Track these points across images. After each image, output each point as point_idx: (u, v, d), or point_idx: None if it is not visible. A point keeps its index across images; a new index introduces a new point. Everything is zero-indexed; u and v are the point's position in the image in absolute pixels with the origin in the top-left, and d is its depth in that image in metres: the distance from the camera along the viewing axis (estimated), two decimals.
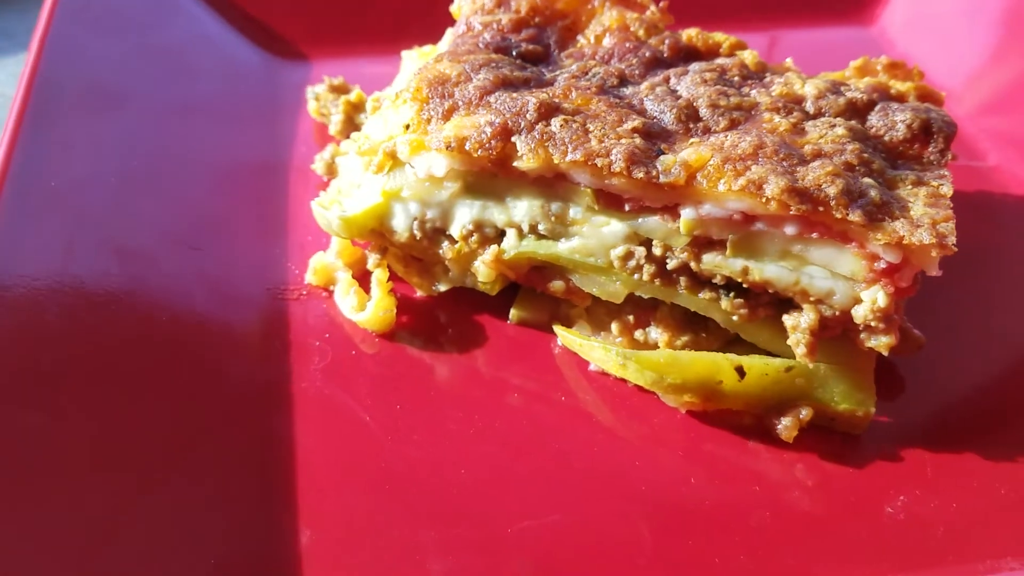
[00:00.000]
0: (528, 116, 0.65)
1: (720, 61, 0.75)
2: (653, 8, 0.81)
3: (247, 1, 1.03)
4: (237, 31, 1.02)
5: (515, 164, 0.65)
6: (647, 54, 0.75)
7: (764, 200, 0.59)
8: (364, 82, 0.92)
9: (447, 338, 0.72)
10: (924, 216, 0.58)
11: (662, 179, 0.61)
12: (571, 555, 0.57)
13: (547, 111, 0.65)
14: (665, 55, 0.76)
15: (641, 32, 0.78)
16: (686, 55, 0.77)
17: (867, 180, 0.60)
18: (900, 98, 0.73)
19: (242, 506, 0.58)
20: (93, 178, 0.77)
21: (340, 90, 0.90)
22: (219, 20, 1.01)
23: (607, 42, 0.77)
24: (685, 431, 0.65)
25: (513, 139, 0.64)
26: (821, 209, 0.58)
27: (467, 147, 0.64)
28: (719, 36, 0.78)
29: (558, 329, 0.70)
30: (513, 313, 0.72)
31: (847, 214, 0.58)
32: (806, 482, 0.62)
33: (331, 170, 0.83)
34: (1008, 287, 0.77)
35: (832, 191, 0.58)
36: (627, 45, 0.76)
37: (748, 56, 0.76)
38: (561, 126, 0.64)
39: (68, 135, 0.79)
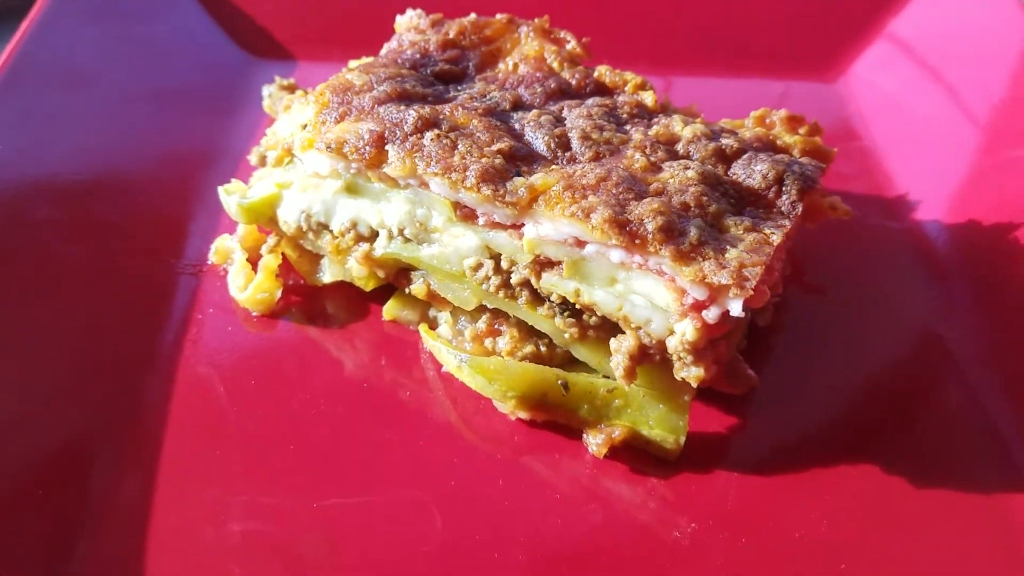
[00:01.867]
0: (405, 128, 0.70)
1: (621, 98, 0.79)
2: (573, 43, 0.85)
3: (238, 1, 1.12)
4: (223, 29, 1.10)
5: (385, 170, 0.70)
6: (552, 85, 0.80)
7: (590, 228, 0.63)
8: None
9: (327, 326, 0.77)
10: (735, 259, 0.61)
11: (507, 198, 0.65)
12: (364, 534, 0.62)
13: (424, 125, 0.70)
14: (573, 87, 0.80)
15: (555, 64, 0.83)
16: (593, 90, 0.81)
17: (695, 221, 0.63)
18: (785, 150, 0.76)
19: (76, 443, 0.65)
20: (43, 149, 0.85)
21: (289, 89, 0.96)
22: (207, 18, 1.10)
23: (522, 70, 0.82)
24: (513, 436, 0.69)
25: (387, 147, 0.69)
26: (637, 242, 0.62)
27: (344, 150, 0.70)
28: (628, 75, 0.82)
29: (421, 329, 0.75)
30: (386, 310, 0.77)
31: (660, 249, 0.61)
32: (606, 497, 0.65)
33: (263, 161, 0.89)
34: (871, 339, 0.78)
35: (651, 226, 0.62)
36: (538, 75, 0.81)
37: (647, 96, 0.79)
38: (432, 140, 0.69)
39: (31, 108, 0.87)
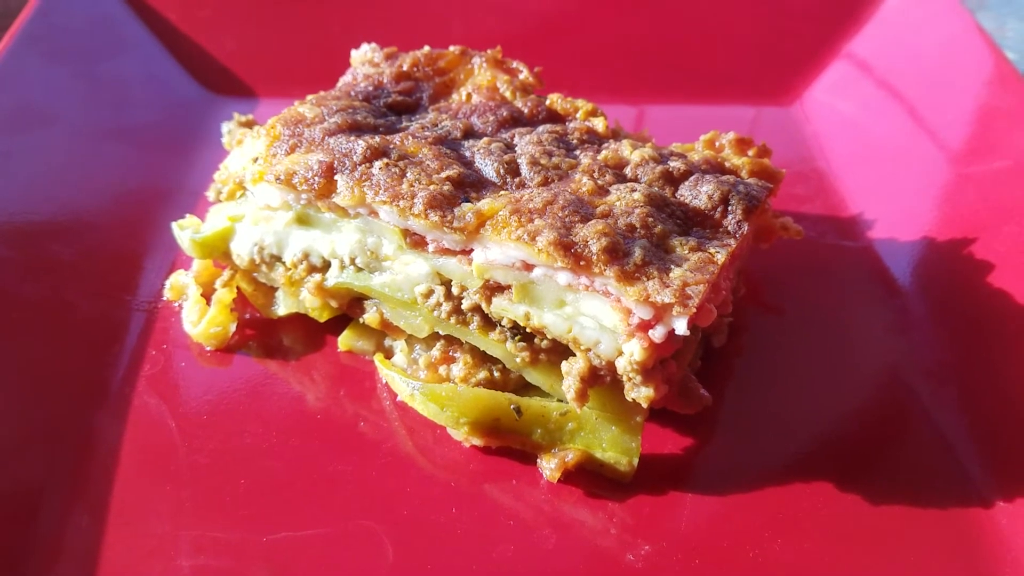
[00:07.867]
0: (354, 157, 0.70)
1: (572, 124, 0.80)
2: (525, 72, 0.86)
3: (198, 39, 1.13)
4: (184, 67, 1.11)
5: (335, 199, 0.70)
6: (504, 113, 0.80)
7: (536, 251, 0.63)
8: None
9: (284, 359, 0.77)
10: (679, 278, 0.61)
11: (455, 224, 0.66)
12: (313, 567, 0.61)
13: (373, 154, 0.70)
14: (525, 115, 0.81)
15: (508, 93, 0.83)
16: (545, 117, 0.82)
17: (640, 242, 0.64)
18: (733, 171, 0.76)
19: (25, 479, 0.64)
20: None
21: (248, 125, 0.96)
22: (168, 56, 1.11)
23: (475, 99, 0.83)
24: (469, 464, 0.68)
25: (336, 177, 0.70)
26: (582, 263, 0.62)
27: (294, 181, 0.70)
28: (579, 102, 0.82)
29: (376, 359, 0.75)
30: (341, 340, 0.77)
31: (604, 270, 0.61)
32: (560, 522, 0.64)
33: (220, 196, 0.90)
34: (827, 358, 0.79)
35: (595, 247, 0.62)
36: (490, 104, 0.82)
37: (598, 122, 0.80)
38: (380, 169, 0.69)
39: None
